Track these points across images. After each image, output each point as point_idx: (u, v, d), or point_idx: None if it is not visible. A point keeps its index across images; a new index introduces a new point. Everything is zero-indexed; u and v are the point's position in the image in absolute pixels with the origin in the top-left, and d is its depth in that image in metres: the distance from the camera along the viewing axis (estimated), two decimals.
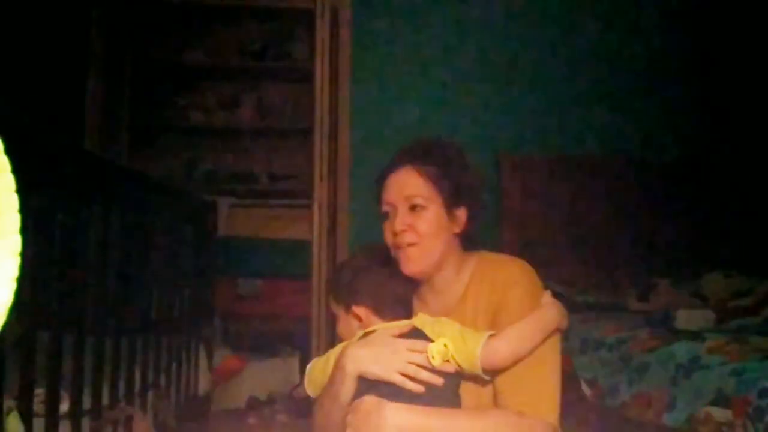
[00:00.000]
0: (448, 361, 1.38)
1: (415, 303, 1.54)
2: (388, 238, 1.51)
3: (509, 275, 1.49)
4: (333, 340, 3.76)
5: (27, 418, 1.39)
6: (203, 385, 2.88)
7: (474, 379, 1.41)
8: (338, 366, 1.42)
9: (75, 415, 1.65)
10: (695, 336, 2.31)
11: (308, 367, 1.54)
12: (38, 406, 1.48)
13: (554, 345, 1.45)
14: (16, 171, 0.61)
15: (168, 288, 2.50)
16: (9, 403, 1.36)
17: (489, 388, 1.43)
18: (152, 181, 2.50)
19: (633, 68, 3.87)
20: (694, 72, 3.89)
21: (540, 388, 1.41)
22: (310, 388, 1.52)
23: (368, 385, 1.39)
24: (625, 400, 2.34)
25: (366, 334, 1.46)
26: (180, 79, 4.53)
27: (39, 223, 1.38)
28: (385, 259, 1.51)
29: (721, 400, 1.96)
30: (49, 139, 1.45)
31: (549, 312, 1.44)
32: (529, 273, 1.51)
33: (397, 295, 1.49)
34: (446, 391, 1.40)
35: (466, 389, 1.43)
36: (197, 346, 2.84)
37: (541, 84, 3.84)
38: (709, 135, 3.83)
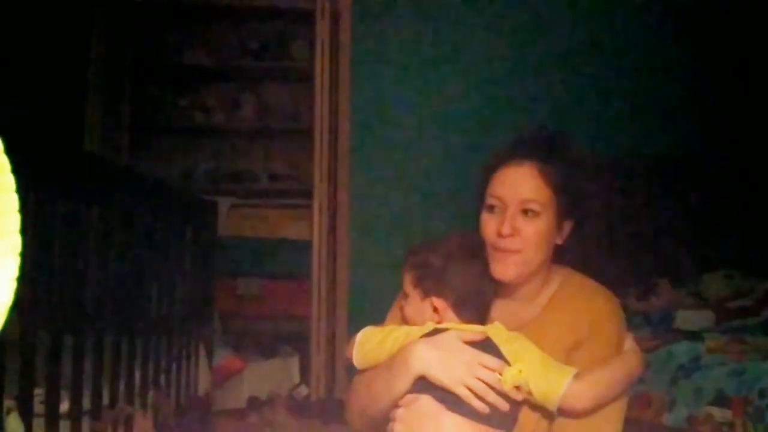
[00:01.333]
0: (518, 387, 1.29)
1: (493, 307, 1.43)
2: (489, 236, 1.38)
3: (600, 310, 1.39)
4: (333, 340, 3.78)
5: (27, 418, 1.39)
6: (203, 385, 2.88)
7: (539, 408, 1.32)
8: (401, 359, 1.33)
9: (75, 415, 1.66)
10: (695, 336, 2.32)
11: (360, 335, 1.42)
12: (38, 406, 1.48)
13: (625, 394, 1.37)
14: (16, 171, 0.61)
15: (168, 288, 2.50)
16: (9, 403, 1.36)
17: (548, 421, 1.34)
18: (152, 181, 2.50)
19: (633, 68, 3.87)
20: (694, 71, 3.89)
21: None
22: (360, 359, 1.41)
23: (427, 385, 1.31)
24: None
25: (435, 329, 1.35)
26: (180, 79, 4.52)
27: (39, 223, 1.39)
28: (479, 253, 1.38)
29: (721, 400, 1.96)
30: (49, 139, 1.45)
31: (635, 361, 1.36)
32: (619, 311, 1.42)
33: (484, 297, 1.39)
34: (506, 414, 1.31)
35: (525, 415, 1.34)
36: (197, 346, 2.84)
37: (541, 84, 3.84)
38: (709, 135, 3.83)
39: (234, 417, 3.50)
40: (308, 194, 3.81)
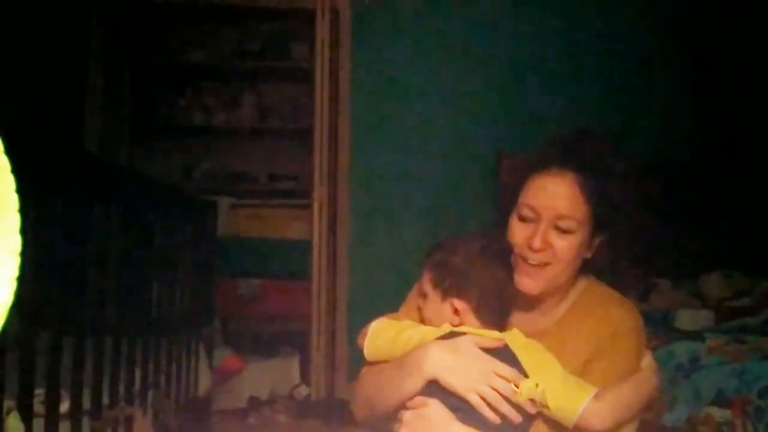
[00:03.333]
0: (533, 400, 1.25)
1: (514, 313, 1.38)
2: (518, 244, 1.33)
3: (619, 321, 1.35)
4: (333, 340, 3.77)
5: (27, 418, 1.39)
6: (203, 385, 2.88)
7: (553, 423, 1.28)
8: (414, 360, 1.29)
9: (75, 415, 1.66)
10: (695, 336, 2.31)
11: (374, 326, 1.38)
12: (38, 406, 1.48)
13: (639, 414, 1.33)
14: (16, 171, 0.61)
15: (168, 288, 2.50)
16: (9, 403, 1.36)
17: None
18: (152, 181, 2.50)
19: (634, 69, 3.88)
20: (694, 72, 3.89)
21: None
22: (370, 351, 1.37)
23: (438, 389, 1.27)
24: None
25: (453, 333, 1.31)
26: (180, 79, 4.52)
27: (39, 223, 1.38)
28: (505, 257, 1.33)
29: (721, 400, 1.96)
30: (49, 139, 1.45)
31: (653, 379, 1.31)
32: (639, 323, 1.37)
33: (505, 302, 1.34)
34: (517, 427, 1.27)
35: (537, 428, 1.30)
36: (197, 346, 2.84)
37: (542, 84, 3.84)
38: (709, 135, 3.83)
39: (234, 417, 3.50)
40: (308, 194, 3.81)
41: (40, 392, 1.49)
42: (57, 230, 1.53)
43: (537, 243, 1.30)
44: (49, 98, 3.51)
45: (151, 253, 2.32)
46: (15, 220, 0.60)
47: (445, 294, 1.33)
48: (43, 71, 3.56)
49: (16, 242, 0.60)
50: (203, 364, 2.90)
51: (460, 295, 1.32)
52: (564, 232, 1.31)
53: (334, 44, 3.71)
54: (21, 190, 0.61)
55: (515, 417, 1.25)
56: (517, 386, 1.25)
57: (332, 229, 3.70)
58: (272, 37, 4.51)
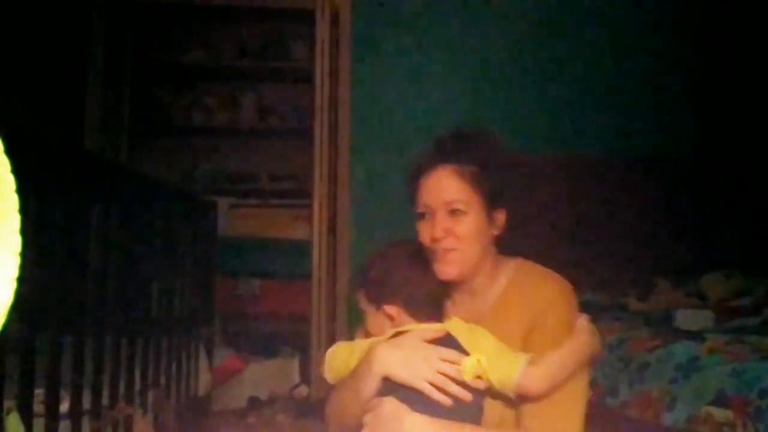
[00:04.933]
0: (479, 377, 1.33)
1: (446, 304, 1.49)
2: (425, 241, 1.45)
3: (550, 294, 1.43)
4: (333, 340, 3.77)
5: (27, 418, 1.39)
6: (203, 385, 2.88)
7: (501, 397, 1.36)
8: (365, 363, 1.38)
9: (75, 415, 1.66)
10: (695, 336, 2.31)
11: (330, 351, 1.48)
12: (38, 406, 1.48)
13: (583, 373, 1.41)
14: (16, 171, 0.61)
15: (168, 288, 2.50)
16: (9, 403, 1.36)
17: (512, 409, 1.38)
18: (152, 181, 2.50)
19: (634, 68, 3.87)
20: (694, 72, 3.89)
21: (565, 417, 1.36)
22: (329, 374, 1.47)
23: (392, 386, 1.35)
24: (625, 400, 2.33)
25: (397, 334, 1.41)
26: (180, 79, 4.53)
27: (39, 223, 1.39)
28: (419, 256, 1.45)
29: (721, 400, 1.96)
30: (49, 139, 1.45)
31: (587, 340, 1.38)
32: (569, 294, 1.46)
33: (431, 295, 1.44)
34: (471, 405, 1.35)
35: (490, 405, 1.39)
36: (197, 346, 2.84)
37: (542, 84, 3.84)
38: (709, 135, 3.83)
39: (234, 417, 3.50)
40: (308, 194, 3.81)
41: (40, 392, 1.49)
42: (57, 230, 1.53)
43: (437, 232, 1.42)
44: (49, 98, 3.51)
45: (151, 253, 2.32)
46: (15, 220, 0.60)
47: (377, 305, 1.43)
48: (43, 71, 3.56)
49: (16, 242, 0.60)
50: (203, 364, 2.90)
51: (388, 302, 1.42)
52: (458, 215, 1.43)
53: (334, 44, 3.71)
54: (21, 190, 0.61)
55: (465, 396, 1.33)
56: (461, 366, 1.33)
57: (332, 229, 3.70)
58: (272, 37, 4.51)
